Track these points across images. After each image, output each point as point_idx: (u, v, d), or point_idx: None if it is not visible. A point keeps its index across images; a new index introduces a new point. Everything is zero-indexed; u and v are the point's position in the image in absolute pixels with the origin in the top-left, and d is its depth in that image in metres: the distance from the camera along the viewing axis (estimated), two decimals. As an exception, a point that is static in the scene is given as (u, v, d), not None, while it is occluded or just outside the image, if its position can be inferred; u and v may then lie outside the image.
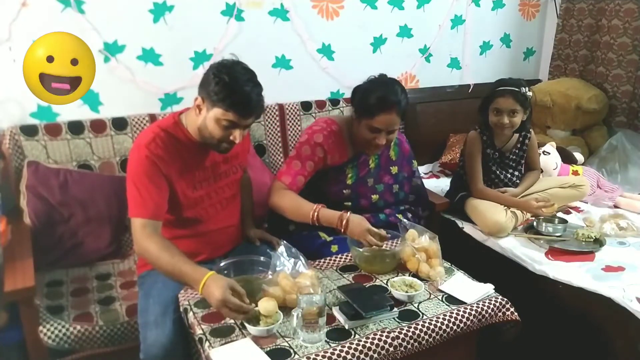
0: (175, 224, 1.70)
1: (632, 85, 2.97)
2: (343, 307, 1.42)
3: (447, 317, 1.44)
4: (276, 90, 2.40)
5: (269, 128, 2.58)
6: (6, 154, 2.06)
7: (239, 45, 2.46)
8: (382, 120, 1.80)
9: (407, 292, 1.51)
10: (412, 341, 1.37)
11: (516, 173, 2.41)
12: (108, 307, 1.82)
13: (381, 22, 2.88)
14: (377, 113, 1.80)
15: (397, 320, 1.42)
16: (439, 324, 1.42)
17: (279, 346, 1.31)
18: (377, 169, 2.03)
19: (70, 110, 2.19)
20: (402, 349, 1.35)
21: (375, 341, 1.33)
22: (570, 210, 2.49)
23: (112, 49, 2.26)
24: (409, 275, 1.64)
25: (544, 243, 2.11)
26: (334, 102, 2.74)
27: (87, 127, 2.18)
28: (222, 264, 1.56)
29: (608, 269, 1.92)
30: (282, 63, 2.66)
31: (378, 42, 2.91)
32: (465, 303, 1.50)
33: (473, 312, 1.48)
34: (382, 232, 1.70)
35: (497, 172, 2.37)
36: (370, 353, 1.31)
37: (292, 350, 1.29)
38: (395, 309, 1.44)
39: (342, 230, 1.74)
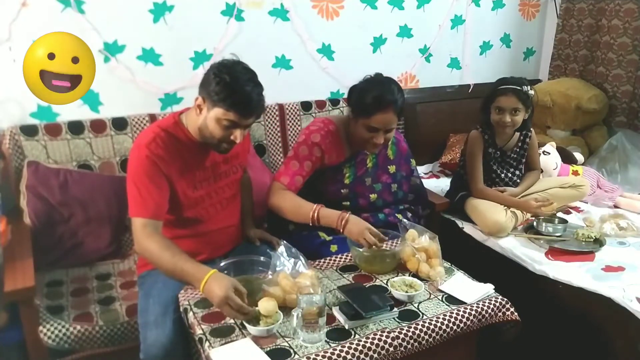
0: (176, 224, 1.70)
1: (632, 85, 2.97)
2: (343, 307, 1.42)
3: (447, 317, 1.44)
4: (276, 90, 2.40)
5: (269, 128, 2.58)
6: (6, 154, 2.06)
7: (239, 45, 2.46)
8: (379, 119, 1.81)
9: (407, 292, 1.51)
10: (412, 341, 1.37)
11: (517, 172, 2.42)
12: (108, 307, 1.82)
13: (381, 22, 2.88)
14: (374, 112, 1.80)
15: (397, 320, 1.42)
16: (439, 324, 1.42)
17: (279, 346, 1.31)
18: (374, 168, 2.03)
19: (70, 110, 2.19)
20: (402, 349, 1.35)
21: (375, 341, 1.33)
22: (570, 210, 2.49)
23: (112, 49, 2.26)
24: (409, 275, 1.64)
25: (544, 243, 2.11)
26: (334, 102, 2.74)
27: (87, 127, 2.18)
28: (222, 264, 1.56)
29: (608, 269, 1.92)
30: (282, 63, 2.66)
31: (378, 42, 2.91)
32: (465, 303, 1.50)
33: (473, 312, 1.48)
34: (381, 235, 1.70)
35: (498, 171, 2.37)
36: (370, 353, 1.31)
37: (292, 350, 1.29)
38: (395, 309, 1.44)
39: (341, 230, 1.75)
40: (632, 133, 3.00)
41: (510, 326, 1.58)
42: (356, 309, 1.38)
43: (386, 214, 2.06)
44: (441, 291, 1.56)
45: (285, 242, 1.58)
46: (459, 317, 1.45)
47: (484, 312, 1.49)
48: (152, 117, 2.30)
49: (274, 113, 2.58)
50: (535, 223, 2.21)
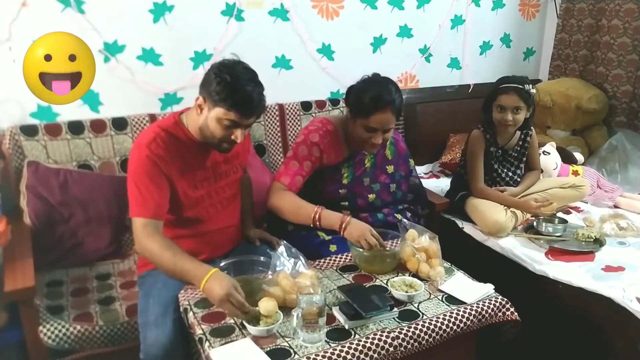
0: (176, 224, 1.70)
1: (632, 85, 2.97)
2: (343, 307, 1.42)
3: (447, 317, 1.44)
4: (276, 90, 2.40)
5: (269, 128, 2.58)
6: (6, 154, 2.06)
7: (239, 45, 2.46)
8: (378, 119, 1.81)
9: (407, 292, 1.51)
10: (412, 341, 1.37)
11: (517, 171, 2.42)
12: (108, 307, 1.82)
13: (381, 22, 2.88)
14: (372, 112, 1.80)
15: (397, 320, 1.42)
16: (439, 324, 1.42)
17: (279, 346, 1.31)
18: (372, 168, 2.03)
19: (70, 110, 2.19)
20: (402, 349, 1.35)
21: (375, 341, 1.33)
22: (570, 210, 2.49)
23: (112, 49, 2.26)
24: (409, 275, 1.64)
25: (544, 243, 2.11)
26: (334, 102, 2.74)
27: (87, 127, 2.18)
28: (222, 264, 1.56)
29: (608, 269, 1.92)
30: (282, 63, 2.66)
31: (378, 42, 2.91)
32: (465, 303, 1.50)
33: (473, 312, 1.48)
34: (382, 241, 1.70)
35: (499, 170, 2.37)
36: (370, 353, 1.31)
37: (292, 350, 1.29)
38: (395, 309, 1.44)
39: (342, 233, 1.75)
40: (632, 133, 3.00)
41: (510, 326, 1.58)
42: (356, 309, 1.38)
43: (385, 214, 2.06)
44: (441, 291, 1.56)
45: (285, 242, 1.58)
46: (459, 317, 1.45)
47: (484, 312, 1.49)
48: (152, 117, 2.30)
49: (274, 113, 2.58)
50: (535, 223, 2.21)
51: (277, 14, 2.58)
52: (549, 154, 2.71)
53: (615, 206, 2.49)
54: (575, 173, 2.69)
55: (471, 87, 3.22)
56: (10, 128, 2.07)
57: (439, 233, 1.71)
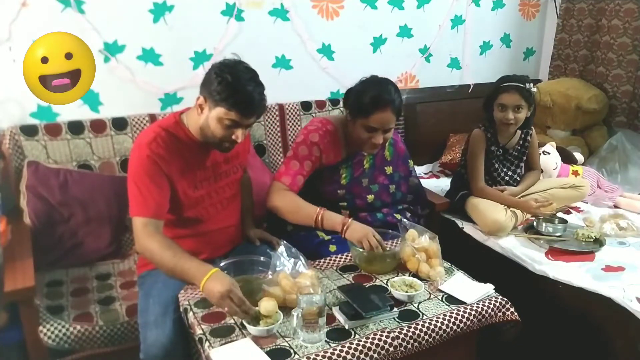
0: (176, 224, 1.70)
1: (632, 85, 2.97)
2: (343, 307, 1.42)
3: (447, 317, 1.44)
4: (276, 90, 2.40)
5: (269, 128, 2.58)
6: (6, 154, 2.06)
7: (239, 45, 2.46)
8: (378, 118, 1.81)
9: (407, 292, 1.51)
10: (412, 341, 1.37)
11: (518, 171, 2.42)
12: (108, 307, 1.82)
13: (381, 22, 2.88)
14: (372, 112, 1.80)
15: (397, 320, 1.42)
16: (439, 324, 1.42)
17: (279, 346, 1.31)
18: (371, 169, 2.03)
19: (70, 110, 2.19)
20: (402, 349, 1.35)
21: (375, 341, 1.33)
22: (570, 210, 2.49)
23: (112, 49, 2.26)
24: (409, 275, 1.64)
25: (544, 243, 2.11)
26: (334, 102, 2.74)
27: (87, 127, 2.18)
28: (222, 264, 1.56)
29: (608, 269, 1.92)
30: (282, 63, 2.66)
31: (378, 42, 2.91)
32: (465, 303, 1.50)
33: (473, 312, 1.48)
34: (383, 244, 1.70)
35: (500, 169, 2.37)
36: (370, 353, 1.31)
37: (292, 350, 1.29)
38: (395, 309, 1.44)
39: (343, 234, 1.75)
40: (632, 133, 3.00)
41: (510, 326, 1.58)
42: (356, 309, 1.38)
43: (385, 214, 2.06)
44: (441, 291, 1.56)
45: (285, 242, 1.58)
46: (459, 317, 1.45)
47: (484, 312, 1.49)
48: (152, 117, 2.30)
49: (274, 113, 2.58)
50: (535, 223, 2.21)
51: (277, 14, 2.58)
52: (549, 154, 2.71)
53: (615, 206, 2.49)
54: (575, 173, 2.69)
55: (471, 87, 3.22)
56: (10, 128, 2.07)
57: (439, 233, 1.71)
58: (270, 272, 1.50)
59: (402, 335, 1.36)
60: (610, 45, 3.03)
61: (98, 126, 2.20)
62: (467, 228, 2.33)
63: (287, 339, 1.33)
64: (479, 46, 3.27)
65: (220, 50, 2.46)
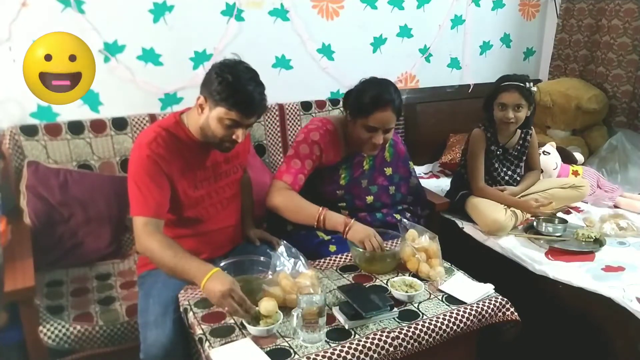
0: (176, 224, 1.70)
1: (632, 85, 2.97)
2: (343, 307, 1.42)
3: (447, 317, 1.44)
4: (276, 90, 2.40)
5: (269, 128, 2.58)
6: (6, 154, 2.06)
7: (239, 45, 2.46)
8: (378, 118, 1.81)
9: (407, 292, 1.51)
10: (412, 341, 1.37)
11: (518, 170, 2.42)
12: (108, 307, 1.82)
13: (381, 22, 2.88)
14: (372, 111, 1.80)
15: (397, 320, 1.42)
16: (439, 324, 1.42)
17: (279, 346, 1.31)
18: (371, 170, 2.03)
19: (70, 110, 2.19)
20: (402, 349, 1.35)
21: (375, 341, 1.33)
22: (570, 210, 2.49)
23: (112, 49, 2.26)
24: (409, 275, 1.64)
25: (544, 243, 2.11)
26: (334, 102, 2.74)
27: (87, 127, 2.18)
28: (222, 264, 1.56)
29: (608, 269, 1.92)
30: (282, 63, 2.66)
31: (378, 42, 2.91)
32: (465, 303, 1.50)
33: (473, 312, 1.48)
34: (384, 246, 1.70)
35: (500, 169, 2.37)
36: (370, 353, 1.31)
37: (292, 350, 1.29)
38: (395, 309, 1.44)
39: (345, 235, 1.75)
40: (632, 133, 3.00)
41: (510, 326, 1.58)
42: (356, 309, 1.38)
43: (384, 214, 2.06)
44: (441, 291, 1.56)
45: (285, 242, 1.58)
46: (459, 317, 1.45)
47: (484, 312, 1.49)
48: (152, 117, 2.30)
49: (274, 113, 2.58)
50: (535, 223, 2.21)
51: (277, 14, 2.58)
52: (549, 154, 2.71)
53: (615, 206, 2.49)
54: (575, 173, 2.69)
55: (471, 87, 3.22)
56: (10, 128, 2.07)
57: (439, 233, 1.71)
58: (270, 272, 1.50)
59: (402, 335, 1.36)
60: (610, 45, 3.03)
61: (98, 126, 2.20)
62: (467, 228, 2.33)
63: (287, 339, 1.33)
64: (479, 46, 3.27)
65: (220, 50, 2.46)
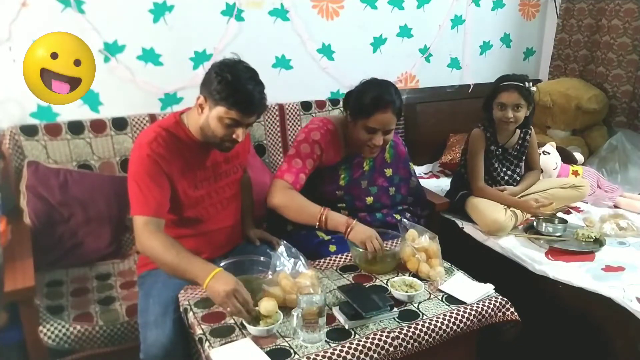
0: (176, 224, 1.70)
1: (632, 85, 2.97)
2: (343, 307, 1.42)
3: (447, 317, 1.44)
4: (276, 90, 2.40)
5: (269, 128, 2.58)
6: (6, 154, 2.06)
7: (239, 45, 2.46)
8: (379, 119, 1.81)
9: (407, 292, 1.51)
10: (412, 341, 1.37)
11: (517, 170, 2.43)
12: (108, 307, 1.82)
13: (381, 22, 2.88)
14: (372, 112, 1.80)
15: (397, 320, 1.42)
16: (439, 324, 1.42)
17: (279, 346, 1.31)
18: (371, 171, 2.03)
19: (70, 110, 2.19)
20: (402, 349, 1.35)
21: (375, 341, 1.33)
22: (570, 210, 2.49)
23: (112, 49, 2.26)
24: (409, 275, 1.64)
25: (544, 243, 2.11)
26: (334, 102, 2.74)
27: (87, 127, 2.18)
28: (222, 264, 1.56)
29: (608, 269, 1.92)
30: (282, 63, 2.66)
31: (378, 42, 2.91)
32: (465, 303, 1.50)
33: (473, 312, 1.48)
34: (384, 247, 1.70)
35: (499, 169, 2.37)
36: (370, 353, 1.31)
37: (292, 350, 1.29)
38: (395, 309, 1.44)
39: (346, 235, 1.74)
40: (632, 133, 3.00)
41: (510, 326, 1.58)
42: (356, 309, 1.38)
43: (384, 214, 2.06)
44: (441, 291, 1.56)
45: (285, 242, 1.58)
46: (459, 317, 1.45)
47: (484, 312, 1.49)
48: (152, 117, 2.30)
49: (274, 113, 2.58)
50: (535, 223, 2.21)
51: (277, 14, 2.58)
52: (549, 154, 2.71)
53: (615, 206, 2.49)
54: (575, 173, 2.69)
55: (471, 87, 3.22)
56: (10, 128, 2.07)
57: (439, 233, 1.71)
58: (270, 272, 1.50)
59: (402, 335, 1.36)
60: (610, 45, 3.03)
61: (98, 126, 2.20)
62: (467, 228, 2.33)
63: (287, 339, 1.33)
64: (479, 46, 3.27)
65: (220, 50, 2.46)
